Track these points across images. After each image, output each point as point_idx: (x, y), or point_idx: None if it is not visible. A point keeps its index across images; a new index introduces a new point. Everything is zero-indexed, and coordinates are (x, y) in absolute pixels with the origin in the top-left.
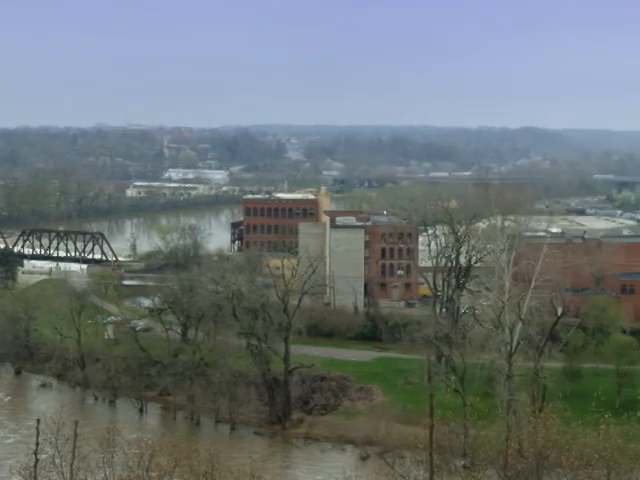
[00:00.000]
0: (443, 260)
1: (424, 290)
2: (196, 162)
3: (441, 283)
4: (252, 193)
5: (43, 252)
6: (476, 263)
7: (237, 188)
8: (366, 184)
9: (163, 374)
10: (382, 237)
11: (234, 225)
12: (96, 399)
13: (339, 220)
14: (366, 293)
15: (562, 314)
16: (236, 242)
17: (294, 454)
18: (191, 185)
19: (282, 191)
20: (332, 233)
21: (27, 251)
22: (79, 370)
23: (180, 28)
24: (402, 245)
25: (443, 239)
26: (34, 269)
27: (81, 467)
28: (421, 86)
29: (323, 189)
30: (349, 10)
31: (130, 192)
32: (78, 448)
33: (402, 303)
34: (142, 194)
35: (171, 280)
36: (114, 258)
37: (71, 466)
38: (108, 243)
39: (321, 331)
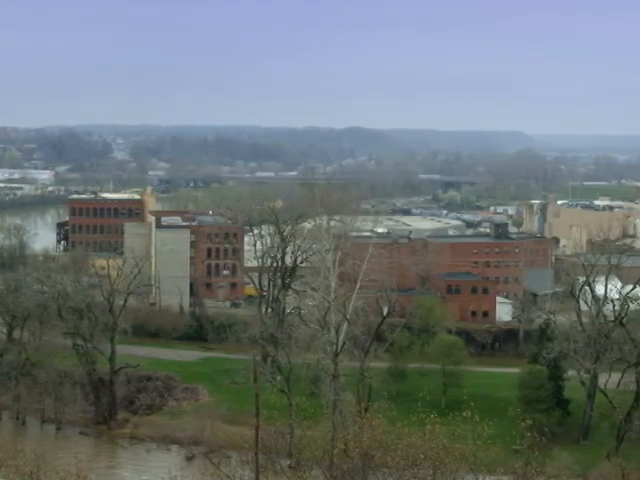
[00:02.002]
0: (269, 260)
1: (250, 290)
2: (22, 162)
3: (267, 283)
4: (78, 193)
5: None
6: (302, 263)
7: (63, 188)
8: (192, 184)
9: None
10: (208, 237)
11: (60, 225)
12: None
13: (164, 220)
14: (192, 293)
15: (388, 314)
16: (62, 242)
17: (120, 454)
18: (16, 185)
19: (108, 191)
20: (157, 233)
21: None
22: None
23: (3, 27)
24: (228, 245)
25: (269, 239)
26: None
27: None
28: (247, 86)
29: (149, 189)
30: (175, 10)
31: None
32: None
33: (228, 303)
34: None
35: None
36: None
37: None
38: None
39: (147, 331)
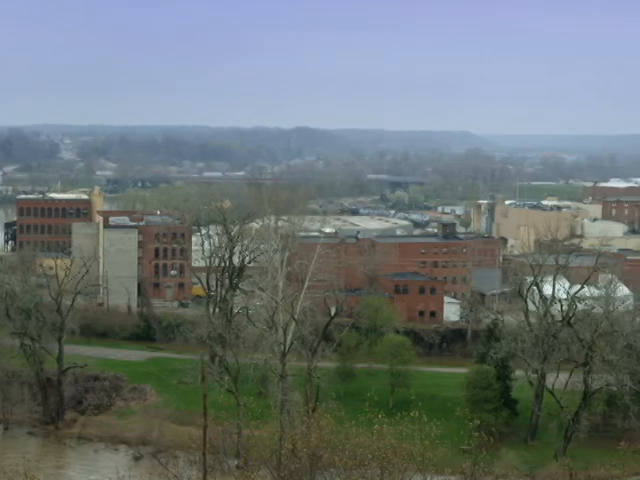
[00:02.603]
0: (216, 260)
1: (198, 290)
2: None
3: (215, 283)
4: (25, 193)
5: None
6: (249, 263)
7: (10, 188)
8: (140, 184)
9: None
10: (155, 237)
11: (8, 225)
12: None
13: (112, 220)
14: (139, 293)
15: (335, 314)
16: (10, 242)
17: (67, 454)
18: None
19: (55, 191)
20: (105, 233)
21: None
22: None
23: None
24: (175, 245)
25: (216, 239)
26: None
27: None
28: (196, 86)
29: (97, 189)
30: (126, 12)
31: None
32: None
33: (175, 303)
34: None
35: None
36: None
37: None
38: None
39: (95, 331)
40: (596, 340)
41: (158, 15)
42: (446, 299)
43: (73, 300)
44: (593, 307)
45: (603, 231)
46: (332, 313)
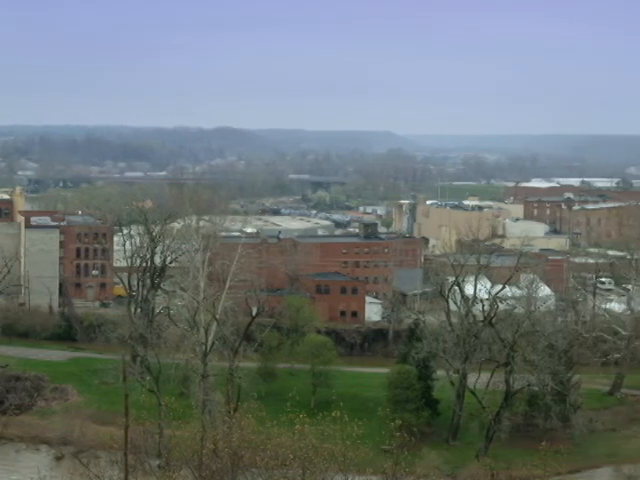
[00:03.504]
0: (138, 260)
1: (119, 290)
2: None
3: (136, 283)
4: None
5: None
6: (171, 263)
7: None
8: (61, 184)
9: None
10: (77, 237)
11: None
12: None
13: (34, 220)
14: (61, 293)
15: (257, 314)
16: None
17: None
18: None
19: None
20: (27, 233)
21: None
22: None
23: None
24: (97, 245)
25: (138, 239)
26: None
27: None
28: (118, 86)
29: (18, 189)
30: (45, 11)
31: None
32: None
33: (97, 303)
34: None
35: None
36: None
37: None
38: None
39: (16, 331)
40: (517, 340)
41: (79, 14)
42: (368, 299)
43: None
44: (514, 307)
45: (524, 231)
46: (253, 313)
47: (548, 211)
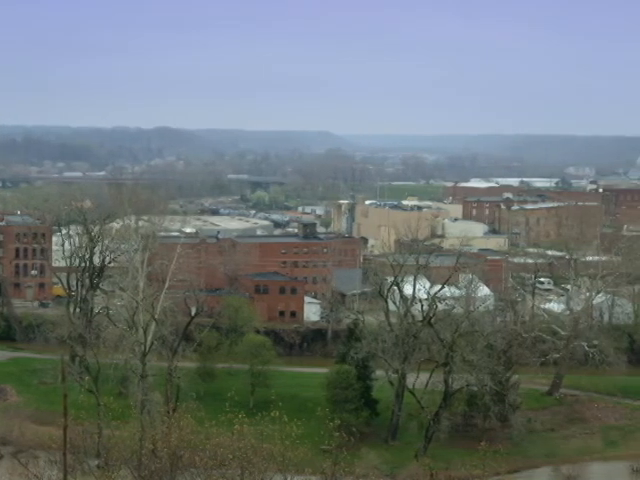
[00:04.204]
0: (77, 260)
1: (58, 290)
2: None
3: (75, 283)
4: None
5: None
6: (110, 263)
7: None
8: (0, 184)
9: None
10: (16, 237)
11: None
12: None
13: None
14: (0, 293)
15: (196, 314)
16: None
17: None
18: None
19: None
20: None
21: None
22: None
23: None
24: (36, 245)
25: (77, 239)
26: None
27: None
28: (56, 86)
29: None
30: None
31: None
32: None
33: (36, 303)
34: None
35: None
36: None
37: None
38: None
39: None
40: (456, 340)
41: (15, 13)
42: (306, 299)
43: None
44: (453, 307)
45: (463, 231)
46: (192, 313)
47: (487, 211)
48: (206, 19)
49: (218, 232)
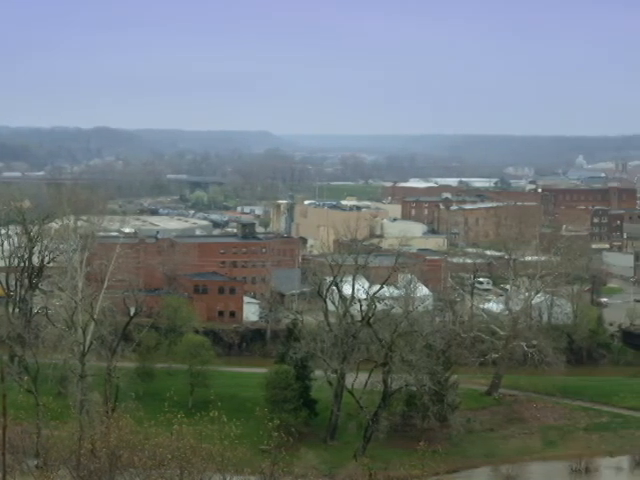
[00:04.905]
0: (16, 260)
1: None
2: None
3: (14, 283)
4: None
5: None
6: (49, 263)
7: None
8: None
9: None
10: None
11: None
12: None
13: None
14: None
15: (135, 314)
16: None
17: None
18: None
19: None
20: None
21: None
22: None
23: None
24: None
25: (16, 239)
26: None
27: None
28: None
29: None
30: None
31: None
32: None
33: None
34: None
35: None
36: None
37: None
38: None
39: None
40: (395, 340)
41: None
42: (246, 299)
43: None
44: (392, 307)
45: (402, 231)
46: (131, 313)
47: (426, 211)
48: (142, 18)
49: (157, 232)
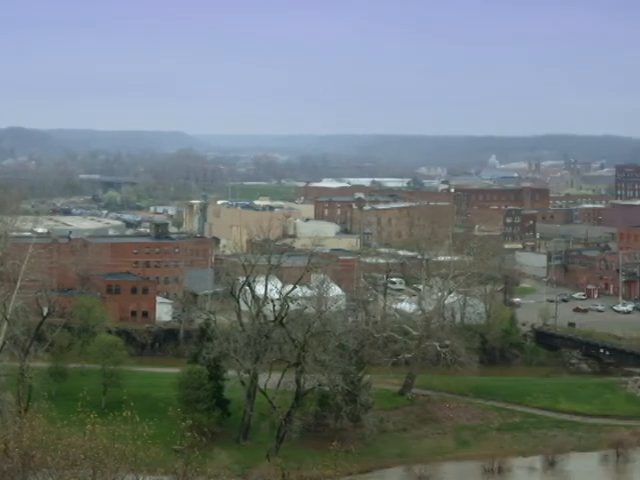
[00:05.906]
0: None
1: None
2: None
3: None
4: None
5: None
6: None
7: None
8: None
9: None
10: None
11: None
12: None
13: None
14: None
15: (48, 314)
16: None
17: None
18: None
19: None
20: None
21: None
22: None
23: None
24: None
25: None
26: None
27: None
28: None
29: None
30: None
31: None
32: None
33: None
34: None
35: None
36: None
37: None
38: None
39: None
40: (308, 340)
41: None
42: (158, 299)
43: None
44: (305, 307)
45: (315, 231)
46: (44, 313)
47: (339, 211)
48: (55, 18)
49: (70, 232)
